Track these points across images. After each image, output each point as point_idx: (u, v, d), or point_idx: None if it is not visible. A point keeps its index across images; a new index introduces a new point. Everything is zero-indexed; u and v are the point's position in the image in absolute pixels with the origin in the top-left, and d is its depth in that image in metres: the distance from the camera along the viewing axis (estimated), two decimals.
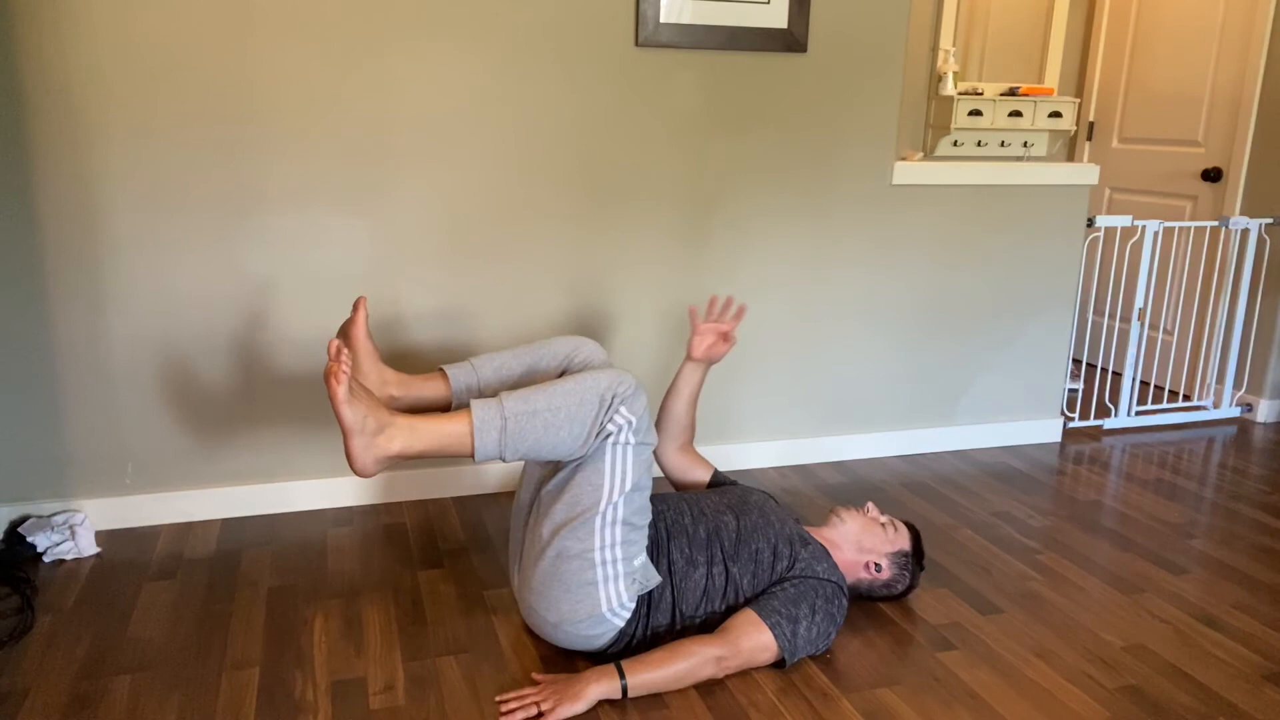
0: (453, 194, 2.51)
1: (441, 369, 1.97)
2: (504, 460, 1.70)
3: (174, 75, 2.25)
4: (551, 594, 1.77)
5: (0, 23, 2.13)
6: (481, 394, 1.96)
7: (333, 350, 1.62)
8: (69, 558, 2.27)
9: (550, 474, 1.80)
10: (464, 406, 1.93)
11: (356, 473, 1.67)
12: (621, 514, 1.75)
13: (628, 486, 1.74)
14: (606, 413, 1.71)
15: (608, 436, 1.72)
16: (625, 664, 1.74)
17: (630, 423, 1.73)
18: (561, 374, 1.98)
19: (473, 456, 1.69)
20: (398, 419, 1.67)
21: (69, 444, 2.39)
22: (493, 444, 1.68)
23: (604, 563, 1.76)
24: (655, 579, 1.82)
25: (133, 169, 2.28)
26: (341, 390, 1.60)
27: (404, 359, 2.57)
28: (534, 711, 1.68)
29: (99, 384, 2.37)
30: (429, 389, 1.95)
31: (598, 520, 1.74)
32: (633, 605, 1.80)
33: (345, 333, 1.93)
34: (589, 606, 1.76)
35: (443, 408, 1.96)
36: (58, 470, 2.40)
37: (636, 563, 1.79)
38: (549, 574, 1.77)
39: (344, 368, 1.60)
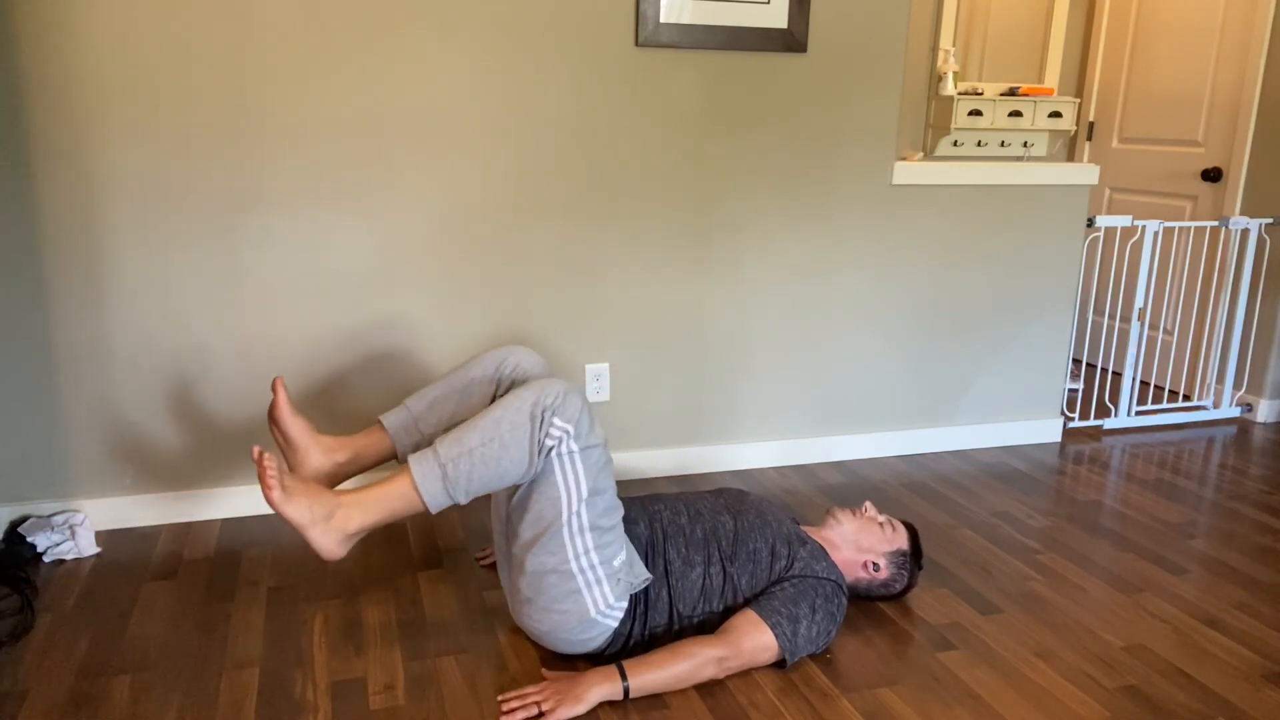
0: (452, 194, 2.51)
1: (379, 420, 1.98)
2: (460, 503, 1.71)
3: (173, 75, 2.25)
4: (538, 606, 1.78)
5: (0, 24, 2.13)
6: (420, 432, 1.97)
7: (255, 455, 1.63)
8: (69, 558, 2.27)
9: (512, 493, 1.79)
10: (408, 448, 1.97)
11: (326, 559, 1.68)
12: (587, 520, 1.74)
13: (585, 494, 1.73)
14: (541, 428, 1.68)
15: (550, 450, 1.70)
16: (627, 665, 1.74)
17: (568, 431, 1.70)
18: (496, 387, 1.98)
19: (428, 510, 1.69)
20: (343, 498, 1.68)
21: (69, 444, 2.39)
22: (440, 493, 1.68)
23: (582, 570, 1.75)
24: (644, 575, 1.82)
25: (132, 169, 2.28)
26: (276, 494, 1.62)
27: (404, 358, 2.57)
28: (534, 711, 1.68)
29: (99, 384, 2.37)
30: (371, 443, 1.97)
31: (565, 532, 1.73)
32: (623, 604, 1.80)
33: (273, 417, 1.93)
34: (578, 613, 1.77)
35: (391, 457, 1.99)
36: (58, 470, 2.40)
37: (616, 563, 1.78)
38: (532, 589, 1.77)
39: (270, 471, 1.61)
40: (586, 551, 1.74)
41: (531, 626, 1.82)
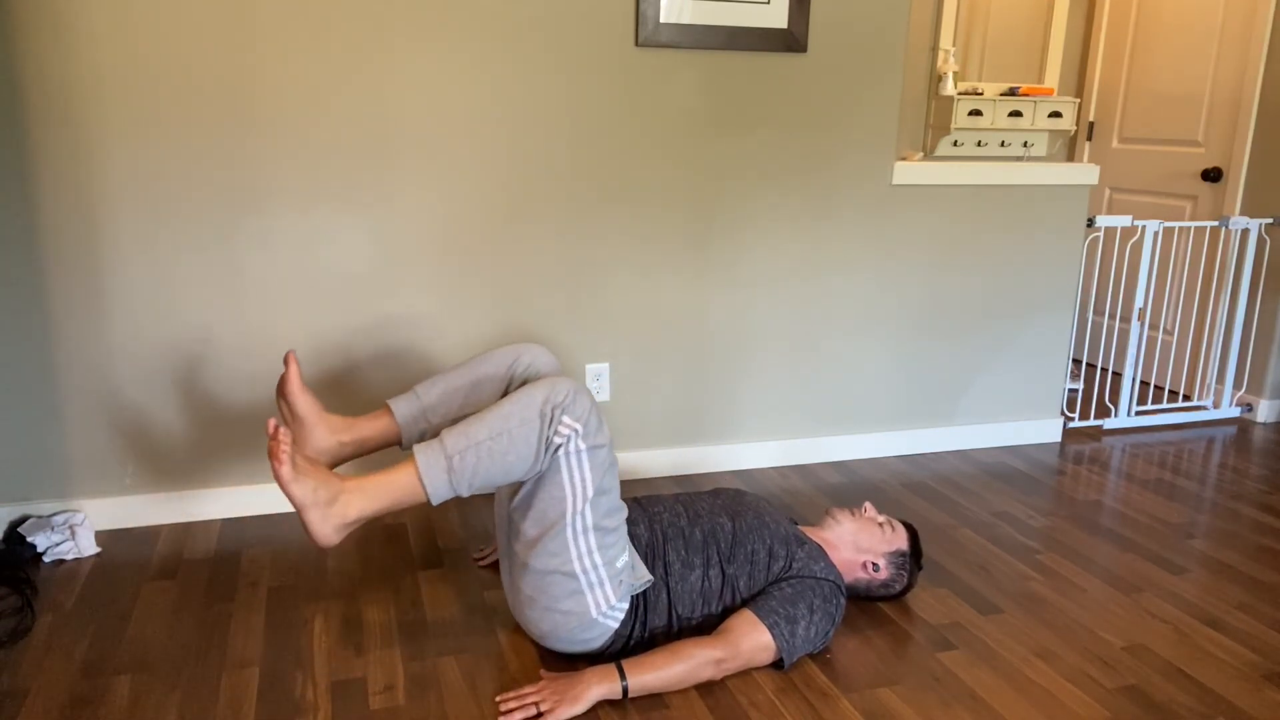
0: (452, 194, 2.51)
1: (387, 404, 1.96)
2: (462, 496, 1.68)
3: (174, 77, 2.25)
4: (540, 606, 1.77)
5: (0, 24, 2.13)
6: (428, 422, 1.95)
7: (270, 428, 1.61)
8: (69, 558, 2.27)
9: (515, 491, 1.77)
10: (414, 437, 1.95)
11: (319, 544, 1.65)
12: (591, 521, 1.73)
13: (590, 493, 1.72)
14: (550, 426, 1.67)
15: (558, 449, 1.69)
16: (626, 665, 1.74)
17: (577, 430, 1.69)
18: (507, 384, 1.97)
19: (429, 502, 1.68)
20: (348, 483, 1.66)
21: (69, 444, 2.39)
22: (443, 485, 1.66)
23: (585, 570, 1.74)
24: (645, 577, 1.82)
25: (133, 170, 2.28)
26: (286, 469, 1.59)
27: (405, 359, 2.57)
28: (534, 712, 1.68)
29: (99, 384, 2.37)
30: (377, 427, 1.95)
31: (568, 532, 1.72)
32: (624, 605, 1.80)
33: (282, 391, 1.90)
34: (579, 614, 1.76)
35: (396, 442, 1.97)
36: (58, 470, 2.40)
37: (619, 564, 1.78)
38: (534, 588, 1.77)
39: (284, 446, 1.59)
40: (590, 552, 1.74)
41: (533, 626, 1.82)
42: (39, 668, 1.83)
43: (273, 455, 1.59)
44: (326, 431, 1.91)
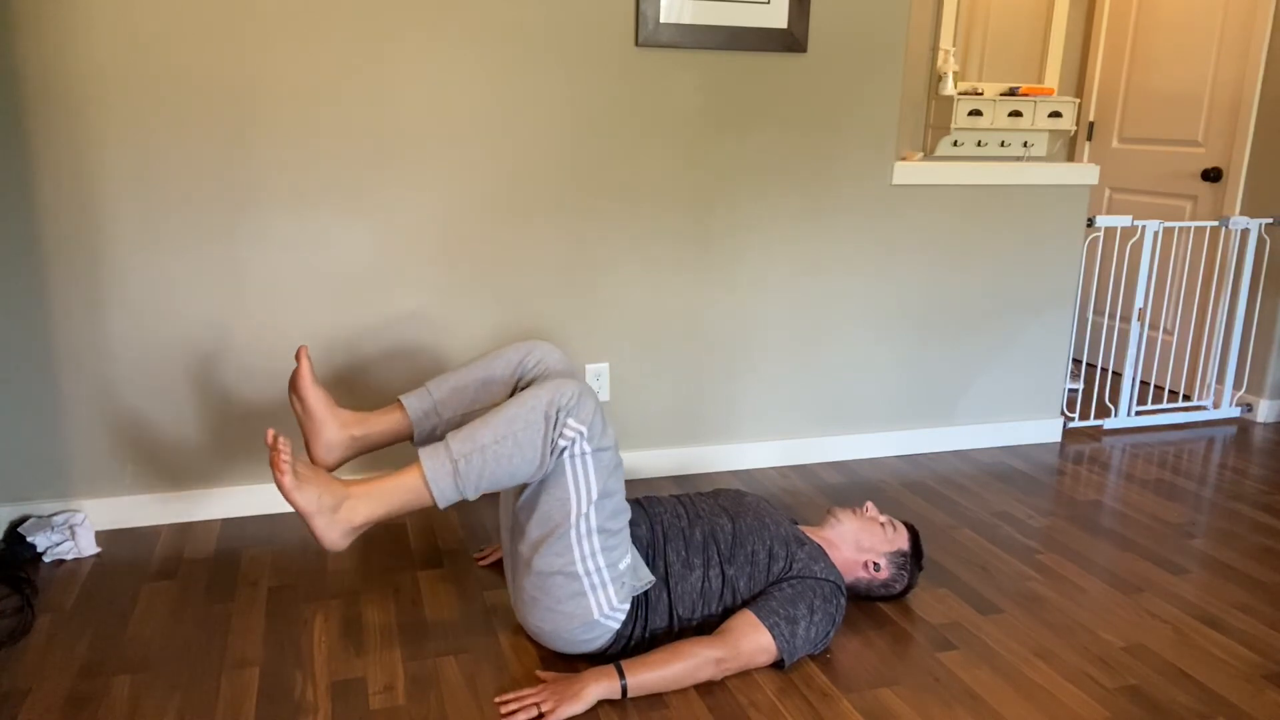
0: (452, 194, 2.51)
1: (399, 400, 1.97)
2: (469, 499, 1.69)
3: (174, 76, 2.25)
4: (543, 606, 1.77)
5: (0, 23, 2.13)
6: (440, 417, 1.95)
7: (270, 439, 1.61)
8: (69, 558, 2.27)
9: (520, 492, 1.77)
10: (425, 432, 1.95)
11: (328, 550, 1.65)
12: (595, 523, 1.73)
13: (595, 495, 1.72)
14: (555, 429, 1.67)
15: (563, 451, 1.68)
16: (625, 664, 1.74)
17: (582, 433, 1.69)
18: (516, 382, 1.97)
19: (436, 505, 1.68)
20: (353, 488, 1.66)
21: (69, 444, 2.39)
22: (449, 488, 1.66)
23: (588, 573, 1.74)
24: (647, 578, 1.82)
25: (132, 169, 2.28)
26: (288, 479, 1.59)
27: (405, 359, 2.57)
28: (534, 712, 1.68)
29: (99, 384, 2.37)
30: (389, 422, 1.95)
31: (573, 534, 1.72)
32: (626, 606, 1.80)
33: (294, 386, 1.91)
34: (581, 615, 1.76)
35: (406, 438, 1.97)
36: (58, 470, 2.40)
37: (622, 565, 1.78)
38: (537, 589, 1.77)
39: (284, 456, 1.59)
40: (593, 554, 1.74)
41: (534, 625, 1.82)
42: (39, 668, 1.83)
43: (274, 465, 1.60)
44: (338, 426, 1.91)
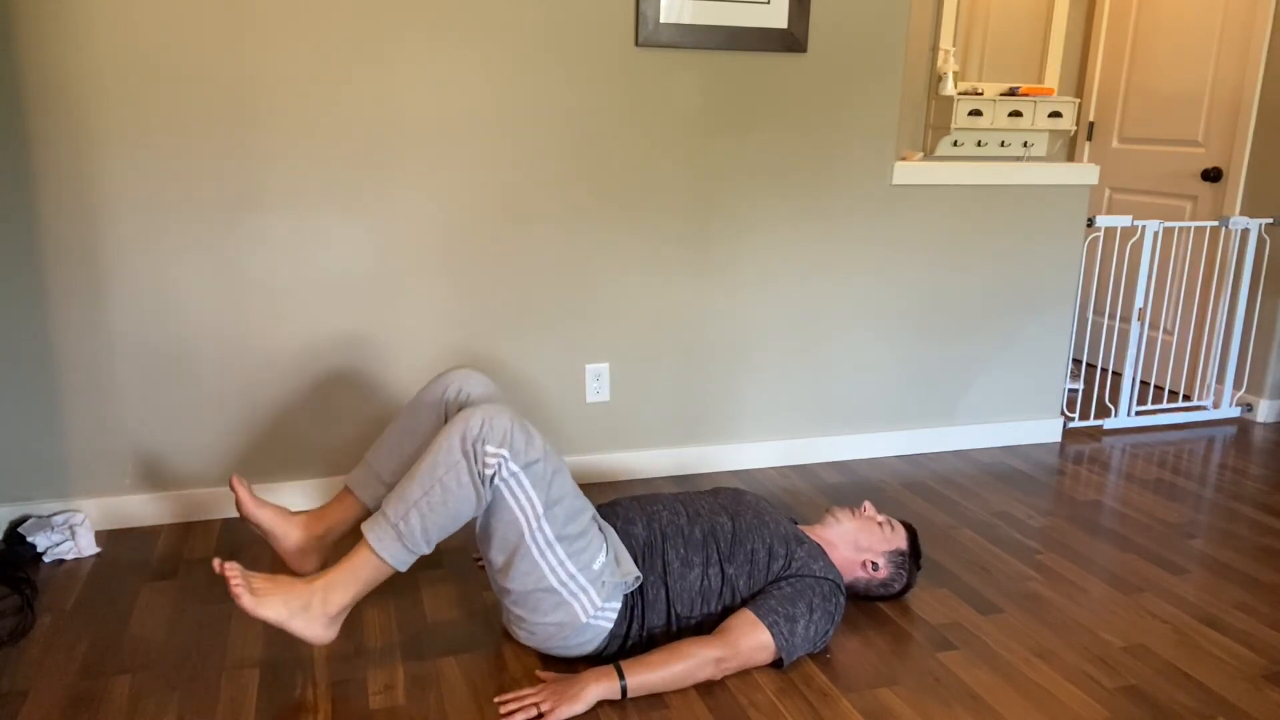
0: (452, 195, 2.51)
1: (345, 485, 2.05)
2: (427, 553, 1.73)
3: (174, 76, 2.25)
4: (529, 622, 1.79)
5: (0, 23, 2.13)
6: (384, 483, 2.02)
7: (217, 568, 1.66)
8: (69, 558, 2.27)
9: (474, 524, 1.80)
10: (377, 504, 2.01)
11: (316, 645, 1.73)
12: (552, 533, 1.74)
13: (540, 509, 1.72)
14: (476, 461, 1.68)
15: (492, 479, 1.70)
16: (625, 664, 1.74)
17: (504, 456, 1.69)
18: (444, 415, 2.00)
19: (399, 571, 1.72)
20: (314, 584, 1.71)
21: (69, 444, 2.39)
22: (400, 552, 1.70)
23: (563, 583, 1.75)
24: (632, 572, 1.82)
25: (132, 169, 2.28)
26: (247, 600, 1.65)
27: (405, 359, 2.57)
28: (534, 712, 1.68)
29: (99, 384, 2.37)
30: (344, 509, 2.05)
31: (534, 551, 1.73)
32: (615, 604, 1.80)
33: (241, 514, 2.00)
34: (570, 622, 1.78)
35: (367, 514, 2.04)
36: (58, 470, 2.40)
37: (596, 565, 1.78)
38: (519, 608, 1.79)
39: (235, 580, 1.64)
40: (561, 563, 1.75)
41: (526, 639, 1.84)
42: (39, 668, 1.83)
43: (230, 593, 1.65)
44: (298, 530, 2.02)
